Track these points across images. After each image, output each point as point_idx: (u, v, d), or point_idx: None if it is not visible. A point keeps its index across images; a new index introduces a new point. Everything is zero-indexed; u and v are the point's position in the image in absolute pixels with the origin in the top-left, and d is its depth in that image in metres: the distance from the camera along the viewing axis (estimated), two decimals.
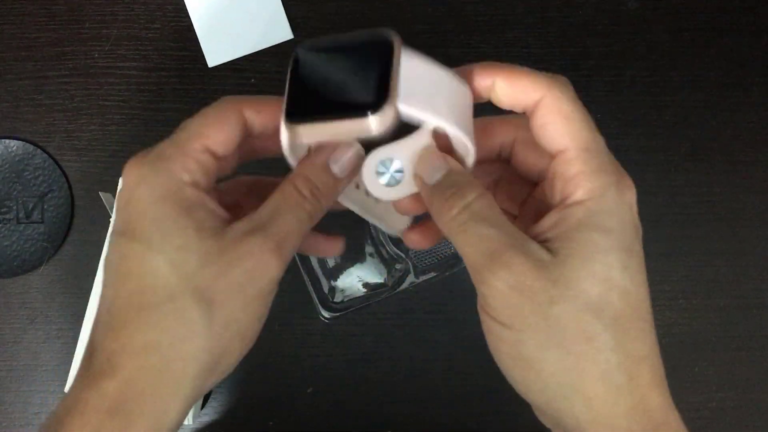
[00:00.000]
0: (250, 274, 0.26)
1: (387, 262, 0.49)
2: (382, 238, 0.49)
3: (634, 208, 0.26)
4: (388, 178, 0.28)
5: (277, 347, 0.54)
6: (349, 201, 0.32)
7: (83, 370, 0.26)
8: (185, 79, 0.56)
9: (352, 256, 0.49)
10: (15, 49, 0.56)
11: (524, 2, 0.57)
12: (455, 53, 0.56)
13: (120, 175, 0.51)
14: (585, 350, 0.24)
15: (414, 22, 0.56)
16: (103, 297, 0.27)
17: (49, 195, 0.55)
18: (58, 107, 0.55)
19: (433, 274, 0.50)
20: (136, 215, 0.26)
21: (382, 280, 0.49)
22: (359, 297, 0.49)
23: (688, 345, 0.55)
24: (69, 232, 0.55)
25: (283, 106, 0.26)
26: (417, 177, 0.28)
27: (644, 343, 0.25)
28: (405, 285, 0.49)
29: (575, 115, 0.26)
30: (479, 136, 0.29)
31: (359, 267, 0.49)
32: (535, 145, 0.29)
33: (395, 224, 0.33)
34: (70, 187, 0.55)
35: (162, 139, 0.28)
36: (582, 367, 0.24)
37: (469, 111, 0.28)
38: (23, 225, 0.54)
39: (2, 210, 0.54)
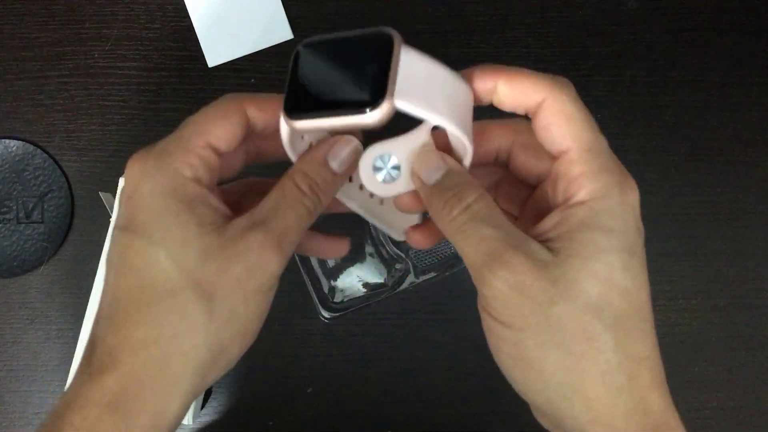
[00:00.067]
0: (251, 270, 0.26)
1: (387, 262, 0.49)
2: (382, 238, 0.49)
3: (637, 210, 0.26)
4: (385, 174, 0.29)
5: (277, 347, 0.54)
6: (352, 202, 0.32)
7: (84, 365, 0.26)
8: (185, 79, 0.56)
9: (352, 256, 0.49)
10: (15, 49, 0.56)
11: (524, 2, 0.57)
12: (455, 53, 0.56)
13: (120, 175, 0.51)
14: (585, 350, 0.24)
15: (414, 22, 0.56)
16: (104, 292, 0.27)
17: (49, 195, 0.55)
18: (58, 107, 0.55)
19: (433, 274, 0.50)
20: (138, 210, 0.26)
21: (382, 280, 0.49)
22: (359, 297, 0.49)
23: (688, 345, 0.55)
24: (69, 232, 0.55)
25: (283, 100, 0.27)
26: (415, 175, 0.28)
27: (645, 344, 0.25)
28: (405, 285, 0.49)
29: (578, 115, 0.26)
30: (476, 139, 0.29)
31: (359, 267, 0.49)
32: (533, 148, 0.29)
33: (398, 226, 0.33)
34: (70, 187, 0.55)
35: (162, 138, 0.28)
36: (582, 368, 0.24)
37: (469, 110, 0.28)
38: (23, 225, 0.54)
39: (2, 210, 0.54)
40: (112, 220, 0.50)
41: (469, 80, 0.28)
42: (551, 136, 0.27)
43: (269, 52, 0.56)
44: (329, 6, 0.56)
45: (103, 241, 0.50)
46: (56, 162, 0.55)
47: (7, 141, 0.55)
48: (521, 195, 0.31)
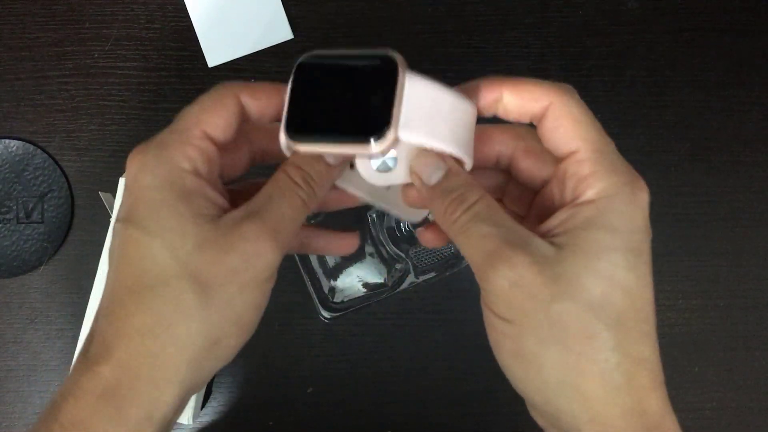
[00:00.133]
0: (246, 259, 0.26)
1: (387, 262, 0.49)
2: (382, 238, 0.49)
3: (647, 210, 0.26)
4: (380, 163, 0.29)
5: (277, 347, 0.54)
6: (358, 191, 0.32)
7: (82, 355, 0.27)
8: (185, 79, 0.56)
9: (352, 256, 0.49)
10: (15, 49, 0.56)
11: (524, 2, 0.57)
12: (455, 53, 0.56)
13: (120, 175, 0.51)
14: (585, 348, 0.24)
15: (414, 22, 0.56)
16: (105, 284, 0.27)
17: (49, 195, 0.55)
18: (58, 107, 0.55)
19: (433, 274, 0.50)
20: (136, 202, 0.27)
21: (382, 280, 0.49)
22: (359, 297, 0.49)
23: (688, 345, 0.55)
24: (69, 232, 0.55)
25: (284, 116, 0.27)
26: (414, 174, 0.28)
27: (645, 346, 0.25)
28: (405, 285, 0.49)
29: (585, 118, 0.27)
30: (476, 143, 0.29)
31: (359, 267, 0.49)
32: (536, 153, 0.29)
33: (411, 211, 0.33)
34: (70, 187, 0.55)
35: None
36: (581, 366, 0.24)
37: (472, 128, 0.28)
38: (23, 225, 0.54)
39: (2, 210, 0.54)
40: (112, 219, 0.50)
41: (474, 92, 0.28)
42: (559, 137, 0.27)
43: (269, 52, 0.56)
44: (329, 6, 0.56)
45: (103, 241, 0.50)
46: (56, 162, 0.55)
47: (7, 141, 0.55)
48: (528, 196, 0.31)
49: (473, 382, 0.54)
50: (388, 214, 0.48)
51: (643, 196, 0.26)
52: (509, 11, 0.57)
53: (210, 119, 0.27)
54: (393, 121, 0.25)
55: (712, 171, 0.56)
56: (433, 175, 0.28)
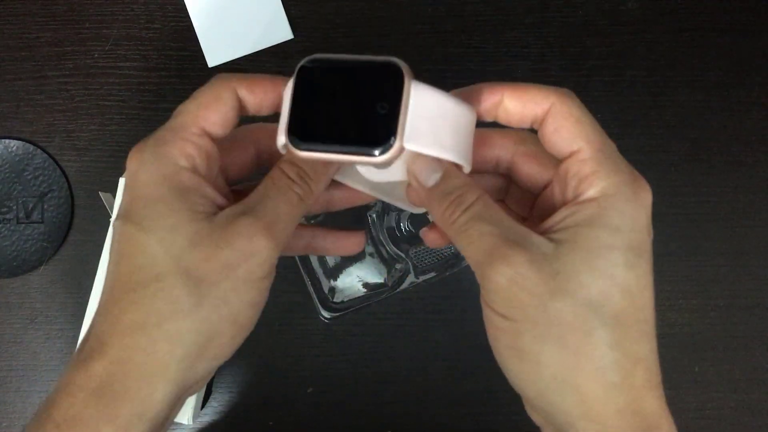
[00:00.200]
0: (240, 255, 0.26)
1: (387, 262, 0.49)
2: (382, 238, 0.49)
3: (649, 210, 0.26)
4: None
5: (277, 347, 0.54)
6: (360, 185, 0.31)
7: (77, 351, 0.27)
8: (185, 79, 0.56)
9: (352, 256, 0.49)
10: (15, 49, 0.56)
11: (524, 2, 0.57)
12: (455, 53, 0.56)
13: (120, 175, 0.51)
14: (581, 345, 0.24)
15: (414, 22, 0.56)
16: (104, 280, 0.27)
17: (49, 195, 0.55)
18: (58, 107, 0.55)
19: (433, 274, 0.50)
20: (134, 198, 0.27)
21: (382, 280, 0.49)
22: (359, 297, 0.49)
23: (688, 345, 0.55)
24: (69, 232, 0.55)
25: (285, 121, 0.26)
26: (411, 175, 0.28)
27: (643, 345, 0.25)
28: (405, 285, 0.49)
29: (586, 119, 0.27)
30: (476, 147, 0.29)
31: (359, 267, 0.49)
32: (536, 157, 0.29)
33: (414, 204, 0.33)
34: (70, 187, 0.55)
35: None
36: (577, 362, 0.24)
37: (471, 133, 0.28)
38: (23, 225, 0.54)
39: (2, 210, 0.54)
40: (112, 219, 0.50)
41: (474, 97, 0.28)
42: (561, 139, 0.27)
43: (269, 52, 0.56)
44: (329, 6, 0.56)
45: (103, 241, 0.50)
46: (56, 162, 0.55)
47: (7, 141, 0.55)
48: (530, 198, 0.31)
49: (473, 382, 0.54)
50: (387, 214, 0.48)
51: (646, 196, 0.26)
52: (509, 11, 0.57)
53: (207, 115, 0.27)
54: (399, 132, 0.25)
55: (712, 171, 0.56)
56: (431, 178, 0.28)
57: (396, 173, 0.29)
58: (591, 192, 0.26)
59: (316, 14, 0.56)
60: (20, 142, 0.55)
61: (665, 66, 0.57)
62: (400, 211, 0.48)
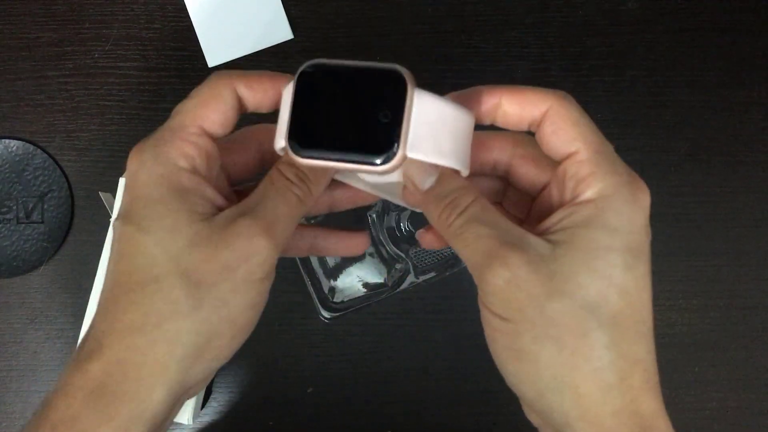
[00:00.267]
0: (240, 256, 0.26)
1: (387, 262, 0.49)
2: (382, 238, 0.49)
3: (647, 212, 0.26)
4: None
5: (277, 347, 0.54)
6: (360, 183, 0.31)
7: (76, 351, 0.27)
8: (185, 79, 0.56)
9: (352, 256, 0.49)
10: (15, 49, 0.56)
11: (524, 2, 0.57)
12: (455, 53, 0.56)
13: (120, 175, 0.51)
14: (578, 346, 0.24)
15: (414, 22, 0.56)
16: (104, 281, 0.27)
17: (49, 195, 0.55)
18: (58, 107, 0.55)
19: (433, 274, 0.50)
20: (133, 199, 0.26)
21: (382, 280, 0.49)
22: (359, 297, 0.49)
23: (688, 345, 0.55)
24: (69, 232, 0.55)
25: (285, 125, 0.26)
26: (407, 178, 0.28)
27: (640, 346, 0.25)
28: (405, 285, 0.49)
29: (584, 120, 0.27)
30: (474, 149, 0.29)
31: (359, 267, 0.49)
32: (534, 159, 0.29)
33: None
34: (70, 187, 0.55)
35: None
36: (575, 363, 0.24)
37: (470, 138, 0.28)
38: (23, 225, 0.54)
39: (2, 210, 0.54)
40: (113, 219, 0.50)
41: (473, 99, 0.28)
42: (558, 140, 0.27)
43: (269, 52, 0.56)
44: (329, 6, 0.56)
45: (103, 241, 0.50)
46: (56, 162, 0.55)
47: (7, 141, 0.55)
48: (528, 200, 0.31)
49: (473, 382, 0.54)
50: (387, 214, 0.48)
51: (644, 197, 0.26)
52: (509, 11, 0.57)
53: (207, 114, 0.27)
54: (402, 141, 0.25)
55: (712, 171, 0.56)
56: (426, 181, 0.28)
57: (393, 175, 0.29)
58: (588, 193, 0.26)
59: (316, 14, 0.56)
60: (20, 142, 0.55)
61: (665, 66, 0.57)
62: (400, 211, 0.48)
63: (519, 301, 0.25)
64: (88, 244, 0.54)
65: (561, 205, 0.27)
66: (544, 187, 0.29)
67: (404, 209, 0.48)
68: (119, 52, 0.56)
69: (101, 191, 0.53)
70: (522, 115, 0.28)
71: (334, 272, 0.49)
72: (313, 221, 0.43)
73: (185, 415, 0.48)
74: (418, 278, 0.49)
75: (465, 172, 0.28)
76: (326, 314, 0.50)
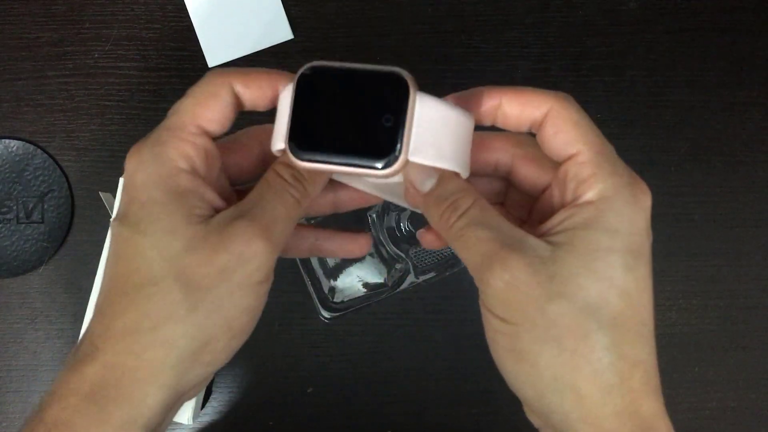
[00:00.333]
0: (237, 259, 0.25)
1: (387, 262, 0.49)
2: (382, 238, 0.49)
3: (648, 213, 0.26)
4: None
5: (277, 347, 0.54)
6: (361, 184, 0.31)
7: (72, 354, 0.26)
8: (185, 79, 0.56)
9: None
10: (15, 49, 0.56)
11: (524, 2, 0.57)
12: (455, 53, 0.56)
13: (120, 175, 0.51)
14: (579, 347, 0.24)
15: (414, 22, 0.56)
16: (101, 282, 0.27)
17: (49, 195, 0.55)
18: (58, 107, 0.55)
19: (433, 274, 0.50)
20: (130, 200, 0.26)
21: (382, 280, 0.49)
22: (359, 297, 0.49)
23: (688, 345, 0.55)
24: (69, 232, 0.55)
25: (285, 128, 0.26)
26: (407, 181, 0.28)
27: (641, 348, 0.25)
28: (405, 285, 0.49)
29: (585, 122, 0.27)
30: (475, 150, 0.29)
31: (359, 267, 0.49)
32: (536, 160, 0.29)
33: None
34: (70, 187, 0.55)
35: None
36: (575, 364, 0.24)
37: (470, 140, 0.28)
38: (23, 225, 0.54)
39: (2, 210, 0.54)
40: (112, 219, 0.50)
41: (473, 100, 0.28)
42: (559, 142, 0.27)
43: (269, 52, 0.56)
44: (329, 6, 0.56)
45: (103, 241, 0.50)
46: (56, 162, 0.55)
47: (7, 141, 0.55)
48: (529, 201, 0.31)
49: (473, 382, 0.54)
50: (387, 214, 0.48)
51: (645, 198, 0.26)
52: (509, 11, 0.57)
53: (204, 113, 0.27)
54: (404, 146, 0.25)
55: (712, 171, 0.56)
56: (426, 183, 0.28)
57: (394, 177, 0.29)
58: (589, 195, 0.26)
59: (316, 14, 0.56)
60: (20, 142, 0.55)
61: (665, 66, 0.57)
62: (400, 211, 0.48)
63: (519, 303, 0.25)
64: (88, 244, 0.54)
65: (562, 206, 0.27)
66: (546, 188, 0.29)
67: (404, 209, 0.48)
68: (119, 52, 0.56)
69: (101, 191, 0.53)
70: (522, 116, 0.28)
71: (334, 272, 0.49)
72: (313, 221, 0.43)
73: (185, 415, 0.48)
74: (418, 278, 0.49)
75: (465, 174, 0.28)
76: (326, 314, 0.50)
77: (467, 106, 0.28)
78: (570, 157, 0.27)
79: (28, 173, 0.55)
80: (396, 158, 0.25)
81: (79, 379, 0.25)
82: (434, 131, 0.26)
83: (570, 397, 0.25)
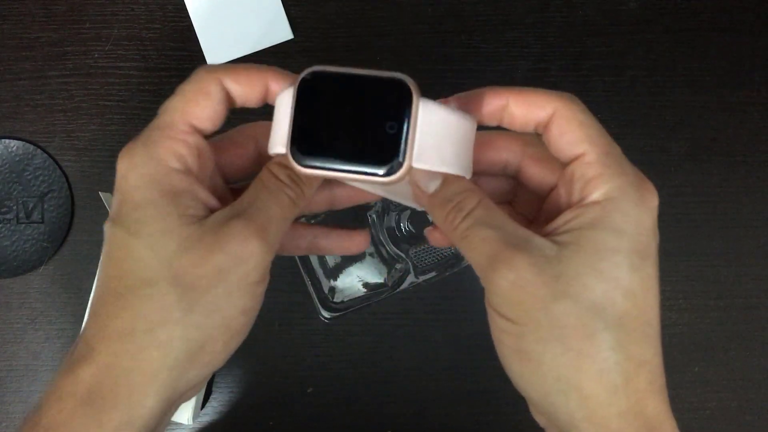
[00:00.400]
0: (233, 259, 0.25)
1: (387, 262, 0.49)
2: (382, 238, 0.49)
3: (655, 213, 0.26)
4: None
5: (277, 347, 0.54)
6: (364, 186, 0.31)
7: (68, 356, 0.26)
8: (185, 79, 0.56)
9: (353, 256, 0.49)
10: (15, 49, 0.56)
11: (524, 2, 0.57)
12: (455, 53, 0.56)
13: None
14: (584, 347, 0.24)
15: (414, 22, 0.56)
16: (95, 285, 0.27)
17: (49, 195, 0.55)
18: (58, 107, 0.55)
19: (433, 274, 0.50)
20: (123, 201, 0.26)
21: (382, 280, 0.49)
22: (359, 297, 0.49)
23: (688, 345, 0.55)
24: (69, 232, 0.55)
25: (285, 132, 0.26)
26: (412, 183, 0.28)
27: (646, 348, 0.25)
28: (405, 285, 0.49)
29: (591, 122, 0.27)
30: (483, 149, 0.29)
31: (359, 267, 0.49)
32: (544, 160, 0.29)
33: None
34: (70, 187, 0.55)
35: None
36: (580, 364, 0.24)
37: (472, 143, 0.28)
38: (23, 225, 0.54)
39: (2, 210, 0.54)
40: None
41: (479, 101, 0.28)
42: (566, 142, 0.27)
43: (269, 52, 0.56)
44: (329, 6, 0.56)
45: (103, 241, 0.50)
46: (56, 162, 0.55)
47: (7, 141, 0.55)
48: (538, 200, 0.31)
49: (473, 382, 0.54)
50: (387, 214, 0.48)
51: (652, 199, 0.26)
52: (509, 11, 0.57)
53: (195, 111, 0.27)
54: (407, 153, 0.24)
55: (712, 171, 0.56)
56: (431, 185, 0.28)
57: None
58: (595, 195, 0.26)
59: (316, 14, 0.56)
60: (20, 142, 0.55)
61: (665, 66, 0.57)
62: (400, 211, 0.48)
63: (524, 303, 0.25)
64: (88, 244, 0.54)
65: (569, 206, 0.27)
66: (553, 188, 0.29)
67: (404, 209, 0.48)
68: (119, 52, 0.56)
69: (101, 191, 0.53)
70: (528, 116, 0.28)
71: (334, 272, 0.49)
72: (313, 221, 0.43)
73: (185, 415, 0.48)
74: (418, 278, 0.49)
75: (468, 177, 0.28)
76: (326, 314, 0.50)
77: (470, 107, 0.28)
78: (576, 158, 0.27)
79: (28, 173, 0.54)
80: (400, 165, 0.24)
81: (74, 381, 0.25)
82: (437, 137, 0.26)
83: (575, 397, 0.25)
